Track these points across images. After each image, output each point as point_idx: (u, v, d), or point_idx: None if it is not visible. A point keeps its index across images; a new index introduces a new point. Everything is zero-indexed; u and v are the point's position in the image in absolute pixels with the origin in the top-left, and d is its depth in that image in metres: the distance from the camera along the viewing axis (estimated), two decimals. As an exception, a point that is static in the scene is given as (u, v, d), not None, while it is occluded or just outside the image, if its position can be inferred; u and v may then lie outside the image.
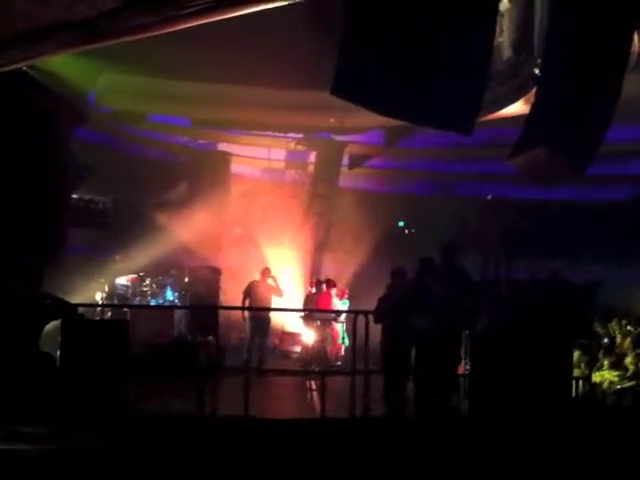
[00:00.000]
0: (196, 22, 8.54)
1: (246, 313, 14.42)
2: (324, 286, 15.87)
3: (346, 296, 16.44)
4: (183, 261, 18.18)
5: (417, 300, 9.73)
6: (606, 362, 11.84)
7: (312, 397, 11.37)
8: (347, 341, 15.07)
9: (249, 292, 14.57)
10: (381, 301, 10.42)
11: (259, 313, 14.29)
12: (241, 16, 9.67)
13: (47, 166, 13.29)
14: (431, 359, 9.53)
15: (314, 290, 16.28)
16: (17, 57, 8.99)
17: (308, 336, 15.37)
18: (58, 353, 8.58)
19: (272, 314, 15.34)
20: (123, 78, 15.08)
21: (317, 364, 14.27)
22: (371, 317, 9.80)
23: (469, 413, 9.21)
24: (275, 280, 15.07)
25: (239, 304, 14.77)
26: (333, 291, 15.67)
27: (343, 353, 15.36)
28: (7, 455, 6.81)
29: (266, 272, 14.95)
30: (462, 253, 10.27)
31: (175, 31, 9.16)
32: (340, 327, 15.47)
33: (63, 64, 12.55)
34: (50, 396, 8.26)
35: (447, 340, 9.48)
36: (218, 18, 8.59)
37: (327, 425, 8.69)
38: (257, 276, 15.23)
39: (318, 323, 15.13)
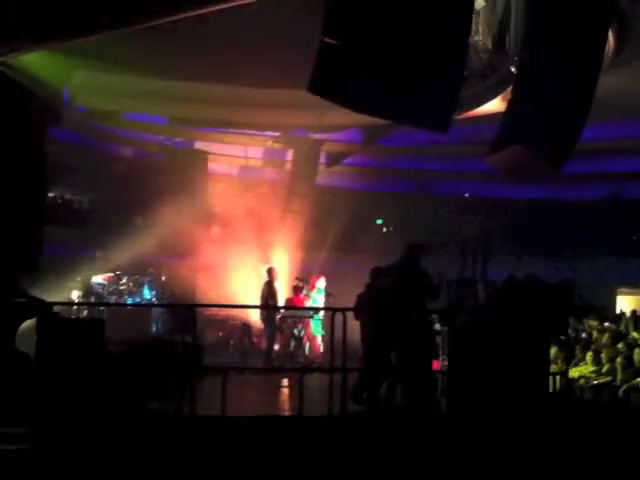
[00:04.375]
0: (166, 19, 8.52)
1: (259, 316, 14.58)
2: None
3: (318, 284, 16.39)
4: (160, 260, 18.11)
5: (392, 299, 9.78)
6: (583, 357, 11.95)
7: (290, 395, 11.35)
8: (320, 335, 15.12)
9: (268, 294, 14.53)
10: (360, 298, 10.47)
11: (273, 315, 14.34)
12: (218, 14, 9.66)
13: (21, 166, 13.15)
14: (406, 355, 9.58)
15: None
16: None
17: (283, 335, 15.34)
18: (33, 352, 8.50)
19: (253, 312, 15.40)
20: (98, 76, 14.96)
21: (294, 363, 14.25)
22: (348, 314, 9.78)
23: (447, 410, 9.22)
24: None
25: (216, 302, 14.75)
26: (301, 295, 15.69)
27: (322, 351, 15.35)
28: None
29: (273, 272, 14.91)
30: (426, 252, 10.23)
31: (150, 28, 9.14)
32: (316, 324, 15.47)
33: (36, 62, 12.43)
34: (25, 396, 8.19)
35: (418, 338, 9.53)
36: (189, 14, 8.58)
37: (304, 423, 8.68)
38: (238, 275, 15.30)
39: (288, 321, 15.10)
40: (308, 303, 15.96)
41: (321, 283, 16.28)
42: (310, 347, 15.30)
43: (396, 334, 9.56)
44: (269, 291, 14.54)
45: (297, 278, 16.54)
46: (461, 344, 9.27)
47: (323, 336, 15.37)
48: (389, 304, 9.78)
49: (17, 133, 12.96)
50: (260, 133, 19.54)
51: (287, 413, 10.11)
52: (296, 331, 14.94)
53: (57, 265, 15.26)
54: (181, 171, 19.57)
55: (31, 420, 7.84)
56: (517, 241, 20.27)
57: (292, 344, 14.94)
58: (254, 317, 15.81)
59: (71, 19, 8.19)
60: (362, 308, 10.29)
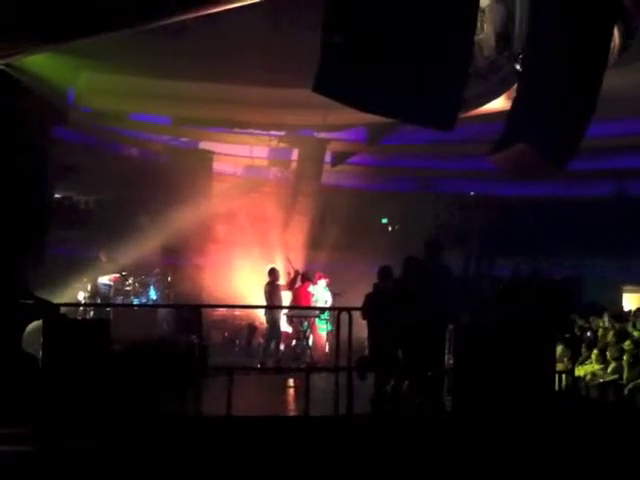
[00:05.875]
0: (173, 19, 8.53)
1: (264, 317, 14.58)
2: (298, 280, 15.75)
3: (322, 282, 16.34)
4: (166, 260, 18.14)
5: (403, 298, 9.74)
6: (589, 356, 11.94)
7: (296, 395, 11.36)
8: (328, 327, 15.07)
9: (270, 294, 14.51)
10: (368, 298, 10.46)
11: (275, 315, 14.33)
12: (224, 14, 9.66)
13: (27, 166, 13.18)
14: (418, 357, 9.55)
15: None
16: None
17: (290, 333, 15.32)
18: (40, 353, 8.52)
19: (259, 313, 15.39)
20: (103, 77, 14.99)
21: (300, 362, 14.25)
22: (355, 314, 9.78)
23: (452, 408, 9.21)
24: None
25: (221, 303, 14.76)
26: (310, 287, 15.65)
27: (327, 350, 15.34)
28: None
29: (275, 272, 14.87)
30: (445, 250, 10.25)
31: (155, 29, 9.14)
32: (321, 322, 15.44)
33: (41, 62, 12.46)
34: (32, 396, 8.21)
35: (434, 338, 9.50)
36: (192, 16, 8.59)
37: (311, 423, 8.68)
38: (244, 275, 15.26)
39: (294, 320, 15.08)
40: (313, 299, 15.88)
41: (323, 282, 16.22)
42: (316, 346, 15.28)
43: (404, 334, 9.55)
44: (271, 291, 14.50)
45: (296, 270, 16.35)
46: (467, 342, 9.26)
47: (328, 334, 15.35)
48: (395, 305, 9.78)
49: (19, 133, 12.97)
50: (265, 133, 19.53)
51: (293, 413, 10.12)
52: (302, 329, 14.92)
53: (63, 266, 15.32)
54: (186, 171, 19.59)
55: (38, 421, 7.86)
56: (522, 239, 20.23)
57: (298, 343, 14.94)
58: (260, 317, 15.80)
59: (72, 21, 8.21)
60: (369, 308, 10.28)
